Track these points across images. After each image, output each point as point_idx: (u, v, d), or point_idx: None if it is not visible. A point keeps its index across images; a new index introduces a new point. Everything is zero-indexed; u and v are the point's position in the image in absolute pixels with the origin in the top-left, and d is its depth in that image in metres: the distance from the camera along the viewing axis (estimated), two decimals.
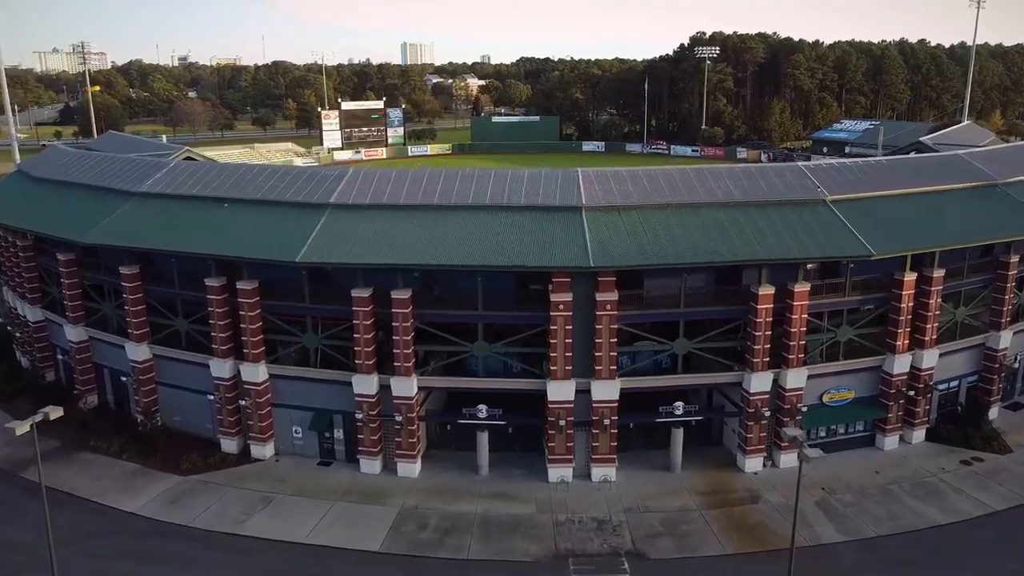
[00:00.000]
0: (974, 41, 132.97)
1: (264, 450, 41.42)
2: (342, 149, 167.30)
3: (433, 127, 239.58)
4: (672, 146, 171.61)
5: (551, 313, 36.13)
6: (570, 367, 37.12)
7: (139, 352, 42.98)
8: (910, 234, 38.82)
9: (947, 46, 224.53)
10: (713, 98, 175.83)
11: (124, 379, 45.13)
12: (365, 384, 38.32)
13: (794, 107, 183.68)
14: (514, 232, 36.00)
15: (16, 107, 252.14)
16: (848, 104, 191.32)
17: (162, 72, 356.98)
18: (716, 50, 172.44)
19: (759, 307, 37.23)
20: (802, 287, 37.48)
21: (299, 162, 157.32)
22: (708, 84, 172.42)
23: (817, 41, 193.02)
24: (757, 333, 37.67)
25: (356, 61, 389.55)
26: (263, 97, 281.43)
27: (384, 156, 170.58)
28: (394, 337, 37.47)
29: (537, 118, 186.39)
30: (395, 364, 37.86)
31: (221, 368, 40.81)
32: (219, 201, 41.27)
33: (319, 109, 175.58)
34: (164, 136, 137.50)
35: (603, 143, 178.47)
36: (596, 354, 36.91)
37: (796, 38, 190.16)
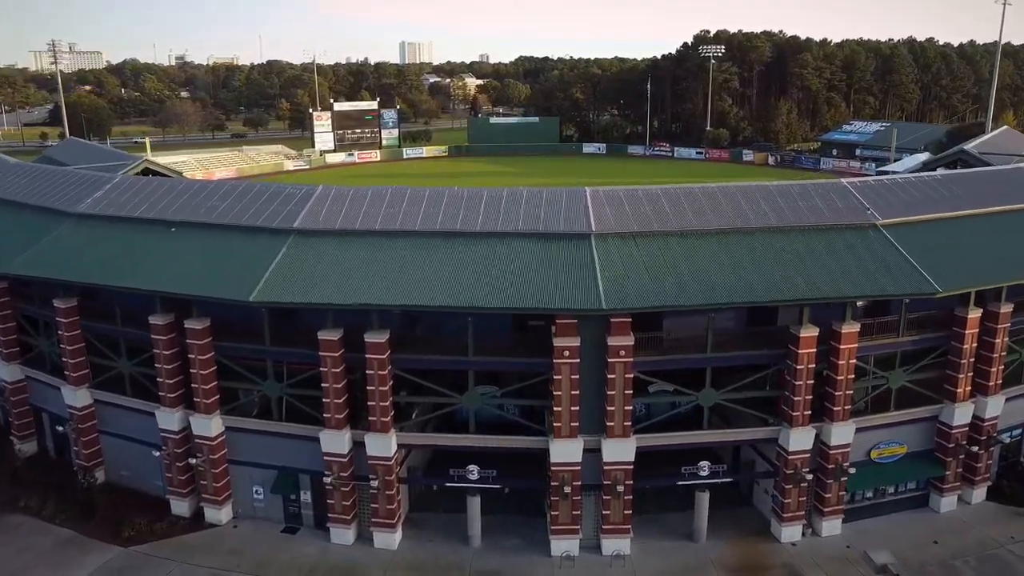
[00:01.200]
0: (1000, 38, 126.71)
1: (220, 514, 35.54)
2: (334, 151, 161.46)
3: (430, 128, 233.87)
4: (676, 148, 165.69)
5: (554, 360, 30.34)
6: (576, 423, 31.31)
7: (77, 397, 37.09)
8: (978, 265, 32.90)
9: (955, 44, 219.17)
10: (718, 98, 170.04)
11: (61, 428, 39.26)
12: (335, 441, 32.48)
13: (801, 108, 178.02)
14: (511, 265, 30.15)
15: (4, 107, 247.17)
16: (856, 104, 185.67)
17: (156, 71, 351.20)
18: (721, 49, 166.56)
19: (800, 351, 31.41)
20: (851, 328, 31.65)
21: (289, 165, 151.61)
22: (713, 84, 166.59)
23: (825, 40, 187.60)
24: (798, 382, 31.85)
25: (355, 60, 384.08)
26: (257, 97, 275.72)
27: (378, 158, 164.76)
28: (369, 387, 31.68)
29: (536, 119, 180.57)
30: (370, 418, 32.07)
31: (169, 419, 34.92)
32: (166, 225, 35.32)
33: (310, 110, 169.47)
34: (146, 140, 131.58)
35: (604, 145, 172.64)
36: (608, 408, 31.07)
37: (802, 37, 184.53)
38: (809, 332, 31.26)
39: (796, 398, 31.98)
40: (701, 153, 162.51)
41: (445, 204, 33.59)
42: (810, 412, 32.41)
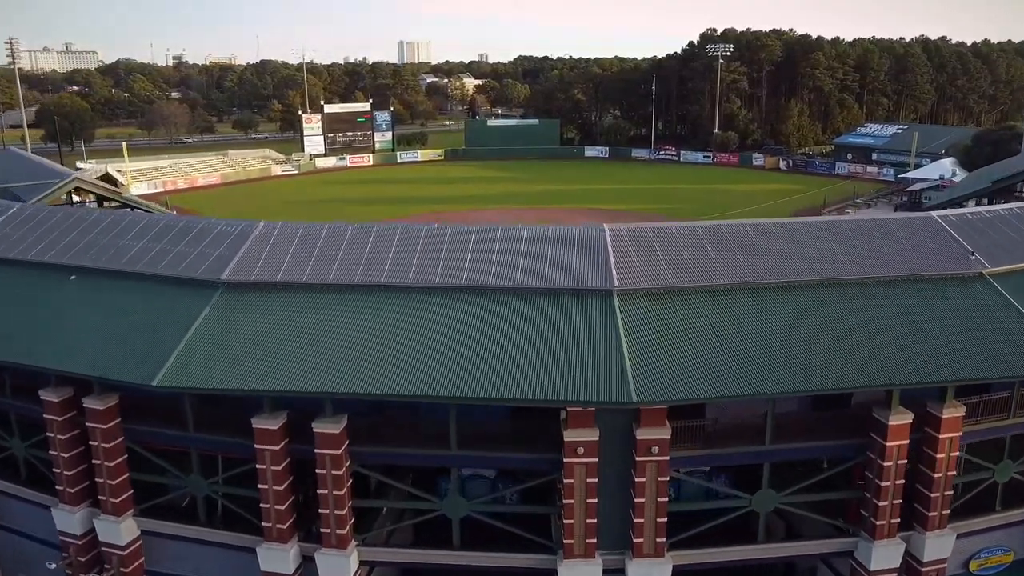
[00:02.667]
0: None
1: None
2: (324, 155, 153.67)
3: (426, 130, 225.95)
4: (682, 151, 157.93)
5: (565, 459, 22.76)
6: (594, 539, 23.70)
7: None
8: None
9: (969, 44, 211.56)
10: (726, 100, 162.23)
11: None
12: (276, 558, 24.80)
13: (812, 109, 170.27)
14: (507, 334, 22.54)
15: None
16: (869, 106, 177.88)
17: (149, 71, 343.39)
18: (730, 48, 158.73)
19: (888, 444, 23.80)
20: (954, 411, 24.02)
21: (277, 170, 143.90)
22: (720, 85, 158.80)
23: (837, 38, 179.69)
24: (884, 482, 24.20)
25: (353, 60, 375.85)
26: (250, 98, 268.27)
27: (370, 163, 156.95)
28: (320, 490, 24.05)
29: (536, 121, 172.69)
30: (323, 530, 24.45)
31: (69, 520, 27.20)
32: (64, 272, 27.71)
33: (299, 112, 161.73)
34: (123, 145, 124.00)
35: (607, 148, 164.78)
36: (636, 520, 23.47)
37: (813, 35, 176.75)
38: (900, 419, 23.59)
39: (881, 503, 24.32)
40: (709, 157, 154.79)
41: (422, 247, 25.66)
42: (898, 520, 24.79)
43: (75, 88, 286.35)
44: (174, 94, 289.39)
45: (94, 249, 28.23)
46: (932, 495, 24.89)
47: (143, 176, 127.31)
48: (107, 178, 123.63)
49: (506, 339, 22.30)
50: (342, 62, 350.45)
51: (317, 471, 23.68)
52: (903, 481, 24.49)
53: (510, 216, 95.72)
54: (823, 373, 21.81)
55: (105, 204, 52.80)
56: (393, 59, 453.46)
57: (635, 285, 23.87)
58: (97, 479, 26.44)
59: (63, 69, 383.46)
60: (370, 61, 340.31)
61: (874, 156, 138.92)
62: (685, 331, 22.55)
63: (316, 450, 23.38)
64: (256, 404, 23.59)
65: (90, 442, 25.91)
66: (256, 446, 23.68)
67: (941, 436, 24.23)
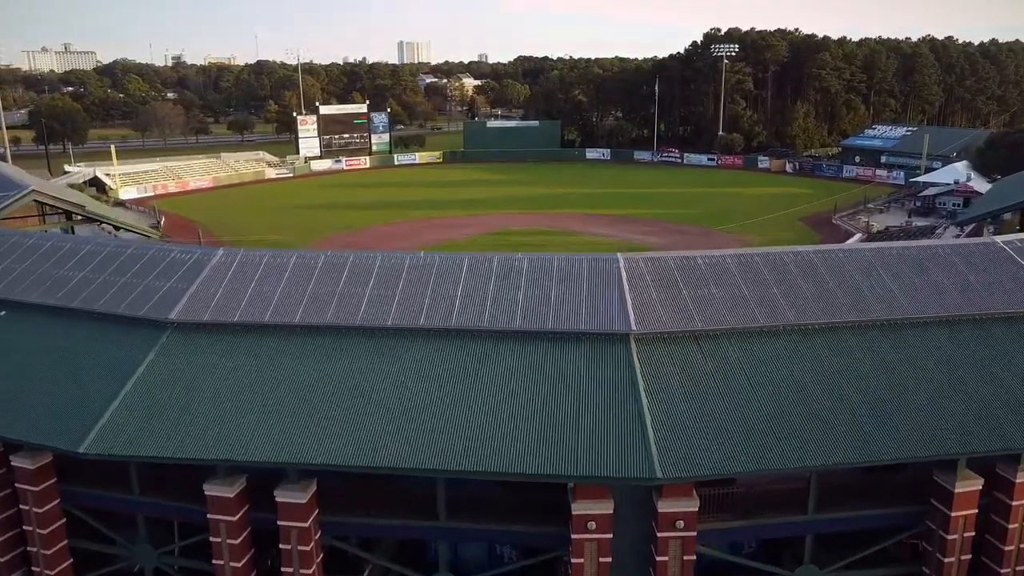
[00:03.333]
0: None
1: None
2: (320, 158, 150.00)
3: (424, 132, 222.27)
4: (685, 154, 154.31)
5: (574, 535, 19.17)
6: None
7: None
8: None
9: (976, 44, 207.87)
10: (730, 101, 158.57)
11: None
12: None
13: (818, 110, 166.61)
14: (502, 389, 18.97)
15: None
16: (877, 107, 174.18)
17: (146, 72, 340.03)
18: (735, 48, 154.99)
19: (954, 514, 20.24)
20: None
21: (271, 173, 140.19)
22: (725, 86, 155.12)
23: (844, 38, 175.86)
24: (948, 558, 20.63)
25: (352, 60, 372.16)
26: (247, 98, 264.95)
27: (367, 165, 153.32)
28: (284, 568, 20.44)
29: (536, 123, 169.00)
30: None
31: None
32: None
33: (294, 113, 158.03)
34: (112, 148, 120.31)
35: (608, 150, 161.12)
36: None
37: (819, 35, 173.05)
38: (968, 485, 19.98)
39: None
40: (713, 159, 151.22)
41: (405, 281, 21.99)
42: None
43: (70, 89, 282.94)
44: (170, 95, 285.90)
45: (28, 280, 24.52)
46: (1002, 571, 21.30)
47: (132, 180, 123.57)
48: (95, 182, 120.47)
49: (502, 395, 18.62)
50: (341, 62, 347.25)
51: (281, 546, 20.07)
52: (969, 556, 20.90)
53: (510, 221, 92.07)
54: (883, 439, 18.12)
55: (74, 217, 49.17)
56: (393, 59, 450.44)
57: (656, 328, 20.13)
58: (30, 547, 22.85)
59: (61, 70, 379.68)
60: (370, 61, 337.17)
61: (883, 159, 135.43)
62: (717, 384, 18.88)
63: (280, 522, 19.78)
64: (210, 466, 19.97)
65: (21, 505, 22.32)
66: (209, 516, 20.07)
67: (1014, 504, 20.64)
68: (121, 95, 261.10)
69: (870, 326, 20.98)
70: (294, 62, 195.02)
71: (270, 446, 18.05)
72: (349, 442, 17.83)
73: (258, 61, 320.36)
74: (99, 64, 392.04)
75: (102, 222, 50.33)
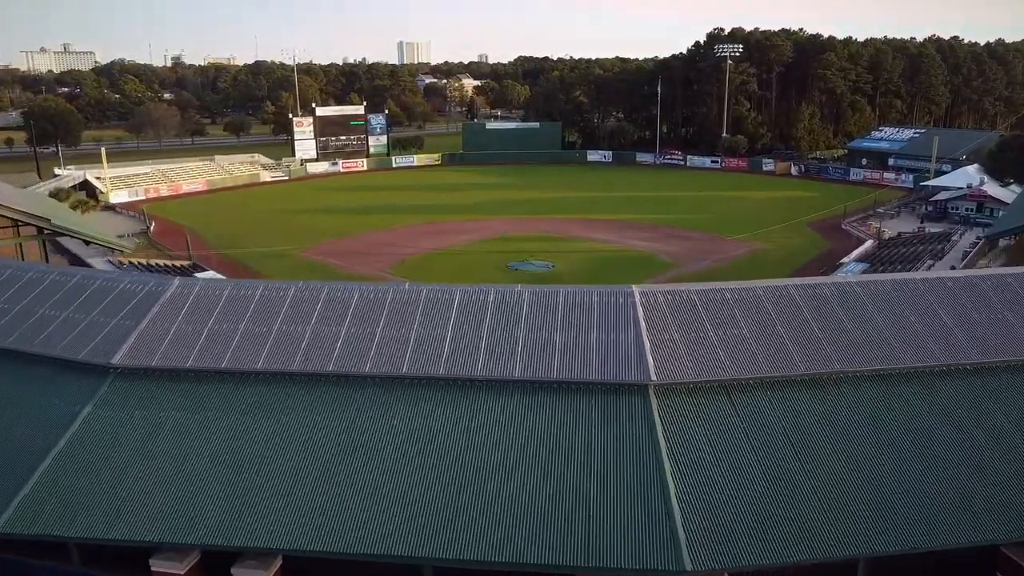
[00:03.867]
0: None
1: None
2: (316, 160, 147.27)
3: (423, 133, 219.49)
4: (689, 156, 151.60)
5: None
6: None
7: None
8: None
9: (982, 44, 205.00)
10: (734, 102, 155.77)
11: None
12: None
13: (824, 112, 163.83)
14: (498, 452, 16.00)
15: None
16: (882, 108, 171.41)
17: (144, 72, 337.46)
18: (740, 48, 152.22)
19: None
20: None
21: (266, 176, 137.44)
22: (729, 86, 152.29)
23: (849, 38, 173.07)
24: None
25: (352, 60, 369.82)
26: (244, 99, 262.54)
27: (364, 168, 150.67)
28: None
29: (537, 124, 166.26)
30: None
31: None
32: None
33: (290, 115, 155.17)
34: (102, 150, 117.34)
35: (610, 152, 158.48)
36: None
37: (824, 35, 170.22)
38: None
39: None
40: (716, 161, 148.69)
41: (387, 318, 18.71)
42: None
43: (66, 89, 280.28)
44: (167, 95, 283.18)
45: None
46: None
47: (123, 183, 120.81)
48: (85, 185, 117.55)
49: (498, 463, 15.65)
50: (340, 63, 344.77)
51: None
52: None
53: (509, 226, 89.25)
54: (959, 517, 15.15)
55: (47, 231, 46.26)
56: (393, 59, 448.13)
57: (680, 377, 17.00)
58: None
59: (60, 70, 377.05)
60: (369, 62, 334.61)
61: (890, 161, 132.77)
62: (753, 448, 15.91)
63: None
64: None
65: None
66: None
67: None
68: (117, 96, 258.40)
69: (927, 373, 17.97)
70: (291, 62, 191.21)
71: (223, 523, 15.10)
72: (317, 520, 14.89)
73: (256, 61, 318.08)
74: (97, 64, 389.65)
75: (73, 235, 47.36)
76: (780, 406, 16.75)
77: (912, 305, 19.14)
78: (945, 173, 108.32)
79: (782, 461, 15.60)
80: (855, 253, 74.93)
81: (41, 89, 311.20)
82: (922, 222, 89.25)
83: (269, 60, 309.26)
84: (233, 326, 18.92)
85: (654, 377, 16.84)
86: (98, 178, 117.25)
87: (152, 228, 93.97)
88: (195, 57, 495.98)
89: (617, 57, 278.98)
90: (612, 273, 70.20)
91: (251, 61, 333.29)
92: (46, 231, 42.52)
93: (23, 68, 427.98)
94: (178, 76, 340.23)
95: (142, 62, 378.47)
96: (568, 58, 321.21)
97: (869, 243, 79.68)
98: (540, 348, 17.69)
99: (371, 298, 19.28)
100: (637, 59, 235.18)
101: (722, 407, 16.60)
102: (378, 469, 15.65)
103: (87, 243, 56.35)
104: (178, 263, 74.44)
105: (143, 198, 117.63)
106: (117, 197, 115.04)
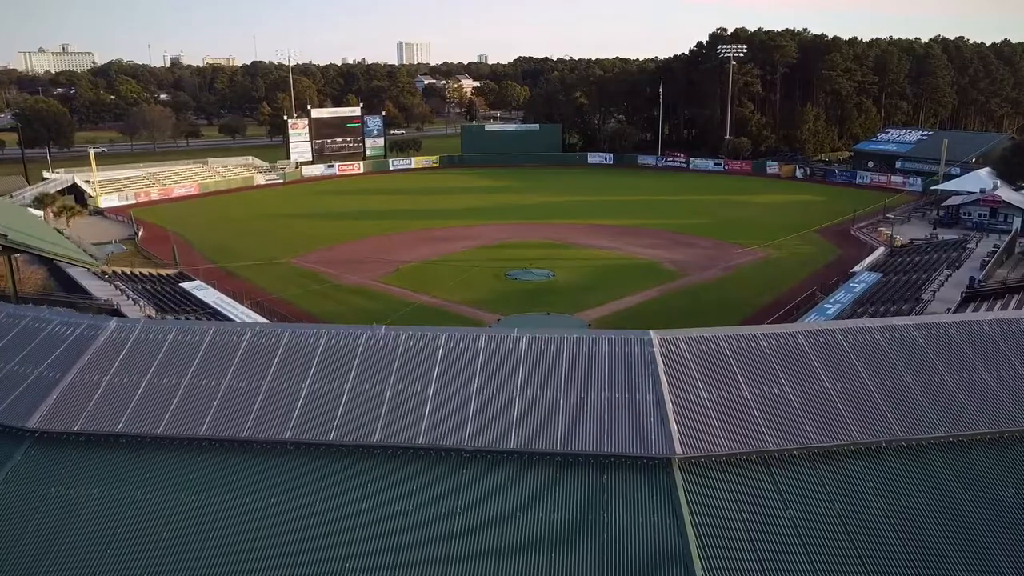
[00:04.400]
0: None
1: None
2: (312, 163, 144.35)
3: (422, 134, 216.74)
4: (691, 158, 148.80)
5: None
6: None
7: None
8: None
9: (988, 44, 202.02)
10: (738, 104, 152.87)
11: None
12: None
13: (828, 113, 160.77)
14: (488, 542, 13.01)
15: None
16: (888, 110, 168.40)
17: (141, 73, 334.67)
18: (743, 48, 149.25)
19: None
20: None
21: (260, 179, 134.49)
22: (732, 88, 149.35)
23: (854, 39, 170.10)
24: None
25: (351, 61, 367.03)
26: (241, 100, 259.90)
27: (360, 171, 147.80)
28: None
29: (536, 126, 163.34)
30: None
31: None
32: None
33: (284, 116, 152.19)
34: (91, 153, 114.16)
35: (611, 154, 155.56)
36: None
37: (829, 35, 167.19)
38: None
39: None
40: (720, 164, 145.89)
41: (357, 370, 15.41)
42: None
43: (61, 90, 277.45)
44: (163, 96, 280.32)
45: None
46: None
47: (113, 187, 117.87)
48: (75, 189, 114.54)
49: (490, 551, 12.66)
50: (339, 63, 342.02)
51: None
52: None
53: (509, 232, 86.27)
54: None
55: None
56: (393, 60, 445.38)
57: (710, 449, 13.86)
58: None
59: (58, 71, 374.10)
60: (369, 62, 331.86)
61: (898, 164, 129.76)
62: (802, 539, 12.97)
63: None
64: None
65: None
66: None
67: None
68: (113, 97, 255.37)
69: (1006, 442, 14.96)
70: (285, 62, 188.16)
71: None
72: None
73: (252, 62, 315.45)
74: (93, 65, 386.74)
75: (24, 251, 44.46)
76: (832, 481, 13.73)
77: (984, 357, 16.06)
78: (955, 176, 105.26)
79: (836, 551, 12.61)
80: (867, 261, 71.74)
81: (38, 90, 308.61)
82: (935, 228, 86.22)
83: (267, 61, 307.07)
84: (176, 378, 15.80)
85: (679, 449, 13.76)
86: (87, 182, 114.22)
87: (140, 234, 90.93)
88: (194, 58, 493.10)
89: (617, 58, 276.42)
90: (615, 283, 67.26)
91: (250, 62, 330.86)
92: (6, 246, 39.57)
93: (20, 69, 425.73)
94: (176, 77, 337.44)
95: (141, 63, 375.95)
96: (568, 59, 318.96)
97: (881, 250, 76.58)
98: (541, 411, 14.59)
99: (339, 346, 16.13)
100: (638, 60, 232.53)
101: (762, 486, 13.53)
102: (342, 564, 12.66)
103: (50, 260, 53.46)
104: (165, 272, 71.43)
105: (134, 202, 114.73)
106: (107, 201, 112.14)
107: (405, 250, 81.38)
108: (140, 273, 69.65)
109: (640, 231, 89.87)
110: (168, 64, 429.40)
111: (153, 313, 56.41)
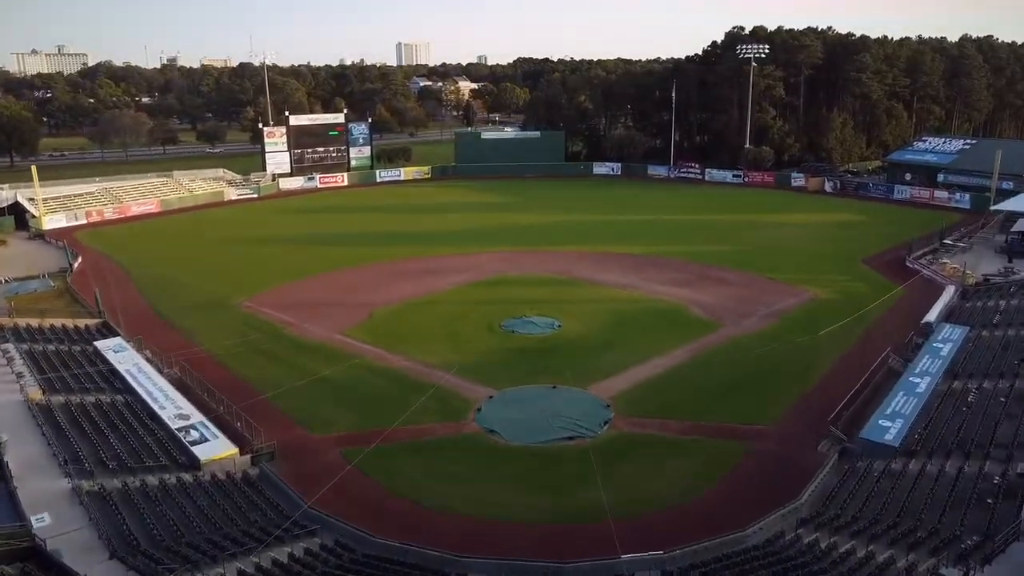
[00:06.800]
0: None
1: None
2: (291, 175, 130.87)
3: (415, 140, 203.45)
4: (707, 169, 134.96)
5: None
6: None
7: None
8: None
9: (1019, 43, 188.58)
10: (758, 109, 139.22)
11: None
12: None
13: (856, 120, 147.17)
14: None
15: None
16: (920, 115, 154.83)
17: (130, 74, 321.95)
18: (765, 49, 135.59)
19: None
20: None
21: (232, 194, 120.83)
22: (752, 91, 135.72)
23: (884, 38, 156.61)
24: None
25: (350, 62, 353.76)
26: (227, 103, 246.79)
27: (344, 183, 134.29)
28: None
29: (537, 133, 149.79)
30: None
31: None
32: None
33: (259, 125, 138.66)
34: (33, 168, 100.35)
35: (619, 164, 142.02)
36: None
37: (856, 34, 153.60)
38: None
39: None
40: (739, 176, 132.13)
41: None
42: None
43: (38, 94, 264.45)
44: (145, 100, 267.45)
45: None
46: None
47: (61, 205, 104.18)
48: (16, 208, 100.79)
49: None
50: (336, 64, 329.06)
51: None
52: None
53: (506, 263, 72.51)
54: None
55: None
56: (392, 61, 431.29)
57: None
58: None
59: (51, 72, 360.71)
60: (367, 63, 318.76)
61: (940, 177, 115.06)
62: None
63: None
64: None
65: None
66: None
67: None
68: (91, 100, 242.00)
69: None
70: (265, 64, 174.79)
71: None
72: None
73: (240, 63, 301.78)
74: (84, 67, 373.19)
75: None
76: None
77: None
78: (1011, 192, 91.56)
79: None
80: (939, 307, 57.91)
81: (23, 92, 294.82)
82: (1009, 260, 72.40)
83: (257, 62, 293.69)
84: None
85: None
86: (31, 200, 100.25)
87: (76, 265, 77.02)
88: (192, 60, 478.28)
89: (619, 59, 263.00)
90: (635, 336, 53.88)
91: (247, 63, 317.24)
92: None
93: (12, 70, 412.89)
94: (166, 79, 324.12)
95: (135, 64, 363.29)
96: (569, 59, 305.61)
97: (951, 290, 62.69)
98: None
99: None
100: (642, 60, 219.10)
101: None
102: None
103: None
104: (84, 323, 58.08)
105: (84, 222, 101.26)
106: (52, 222, 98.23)
107: (383, 287, 67.83)
108: (50, 327, 56.31)
109: (657, 261, 76.31)
110: (166, 64, 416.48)
111: (39, 395, 43.13)
